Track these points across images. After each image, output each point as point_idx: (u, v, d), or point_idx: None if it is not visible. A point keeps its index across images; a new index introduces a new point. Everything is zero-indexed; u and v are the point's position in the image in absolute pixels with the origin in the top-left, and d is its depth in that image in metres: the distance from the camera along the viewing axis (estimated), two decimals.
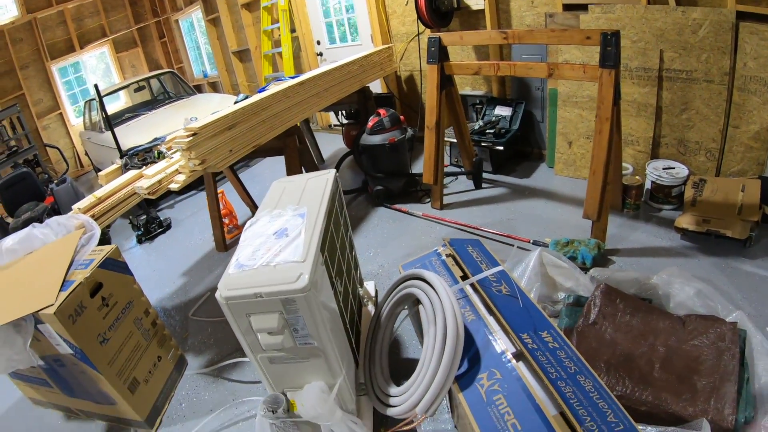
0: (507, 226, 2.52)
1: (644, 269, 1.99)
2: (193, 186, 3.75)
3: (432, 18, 3.04)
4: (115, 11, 6.88)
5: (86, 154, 5.99)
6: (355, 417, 1.32)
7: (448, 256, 1.73)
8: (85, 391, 1.64)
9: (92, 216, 1.86)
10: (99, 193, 2.00)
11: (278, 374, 1.31)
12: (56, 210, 3.23)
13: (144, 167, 2.23)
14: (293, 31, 4.62)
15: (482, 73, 2.54)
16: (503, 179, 3.11)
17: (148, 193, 1.99)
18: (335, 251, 1.49)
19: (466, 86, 3.54)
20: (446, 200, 2.94)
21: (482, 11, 2.98)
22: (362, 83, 3.33)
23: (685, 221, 2.06)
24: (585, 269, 1.94)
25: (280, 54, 4.71)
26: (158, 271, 2.94)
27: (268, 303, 1.13)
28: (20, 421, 1.92)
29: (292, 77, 3.16)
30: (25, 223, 2.58)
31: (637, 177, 2.41)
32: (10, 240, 1.71)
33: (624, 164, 2.53)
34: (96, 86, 3.69)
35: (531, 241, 2.26)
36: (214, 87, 6.70)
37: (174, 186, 2.03)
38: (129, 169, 2.28)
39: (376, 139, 2.95)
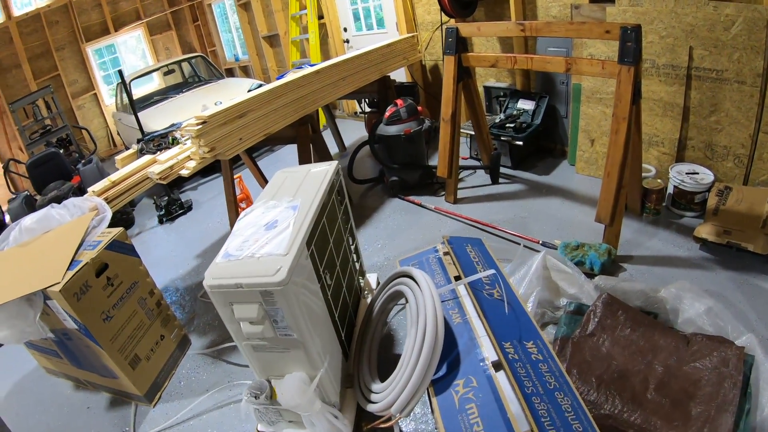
0: (519, 224, 2.45)
1: (656, 279, 1.89)
2: (217, 168, 3.84)
3: (454, 7, 2.95)
4: None
5: (118, 133, 6.22)
6: (335, 410, 1.33)
7: (445, 254, 1.71)
8: (90, 364, 1.74)
9: (105, 199, 1.94)
10: (114, 176, 2.08)
11: (263, 361, 1.33)
12: (82, 189, 3.37)
13: (158, 152, 2.30)
14: (321, 17, 4.60)
15: (499, 66, 2.45)
16: (522, 175, 3.02)
17: (160, 179, 2.05)
18: (327, 244, 1.49)
19: (490, 77, 3.44)
20: (461, 194, 2.89)
21: (507, 1, 2.87)
22: (382, 72, 3.29)
23: (705, 231, 1.94)
24: (592, 275, 1.87)
25: (307, 40, 4.71)
26: (175, 252, 3.05)
27: (248, 294, 1.15)
28: (34, 388, 2.06)
29: (315, 65, 3.15)
30: (51, 201, 2.72)
31: (659, 180, 2.29)
32: (29, 219, 1.81)
33: (647, 166, 2.40)
34: (120, 72, 3.80)
35: (540, 242, 2.20)
36: (246, 71, 6.79)
37: (184, 172, 2.08)
38: (144, 154, 2.35)
39: (392, 130, 2.92)
